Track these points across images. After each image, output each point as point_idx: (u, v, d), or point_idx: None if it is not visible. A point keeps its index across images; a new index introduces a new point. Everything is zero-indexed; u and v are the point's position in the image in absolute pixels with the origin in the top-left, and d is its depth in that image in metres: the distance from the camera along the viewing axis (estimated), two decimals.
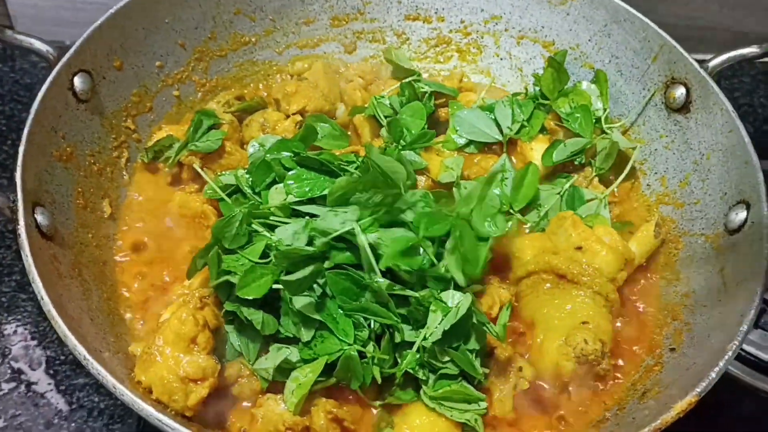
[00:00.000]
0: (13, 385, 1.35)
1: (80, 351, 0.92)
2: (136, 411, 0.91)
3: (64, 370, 1.33)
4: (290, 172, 1.21)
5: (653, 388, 1.08)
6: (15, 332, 1.41)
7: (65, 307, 1.01)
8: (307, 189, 1.19)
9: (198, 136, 1.32)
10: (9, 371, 1.37)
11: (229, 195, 1.26)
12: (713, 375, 0.96)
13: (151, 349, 1.02)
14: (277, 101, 1.46)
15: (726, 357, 0.97)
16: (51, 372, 1.33)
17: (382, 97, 1.42)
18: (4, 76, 1.72)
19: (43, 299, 0.97)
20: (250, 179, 1.25)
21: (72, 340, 0.93)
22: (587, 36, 1.47)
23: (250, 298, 1.04)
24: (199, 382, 1.01)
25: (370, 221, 1.11)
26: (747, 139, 1.21)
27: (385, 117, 1.39)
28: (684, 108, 1.33)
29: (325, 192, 1.16)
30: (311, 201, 1.18)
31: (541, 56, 1.54)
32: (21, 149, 1.10)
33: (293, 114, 1.41)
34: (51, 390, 1.35)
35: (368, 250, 1.07)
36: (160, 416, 0.89)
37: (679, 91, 1.33)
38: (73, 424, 1.31)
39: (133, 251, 1.26)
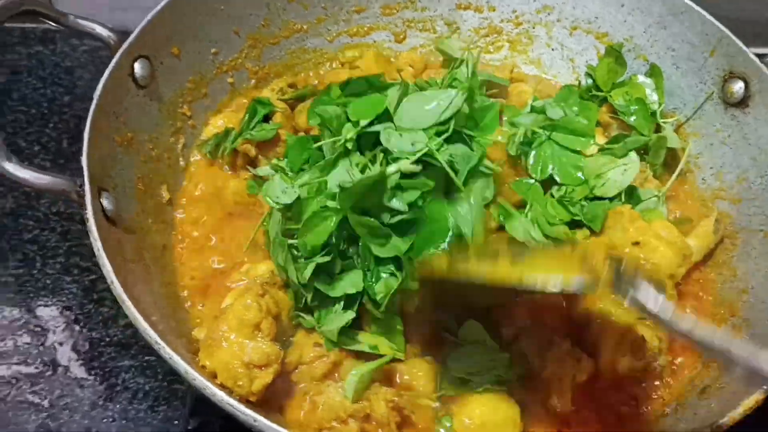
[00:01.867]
0: (58, 368, 1.37)
1: (151, 335, 0.93)
2: (207, 395, 0.92)
3: (108, 351, 1.33)
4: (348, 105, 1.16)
5: (713, 384, 1.08)
6: (60, 314, 1.42)
7: (132, 291, 1.01)
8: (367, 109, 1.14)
9: (253, 124, 1.33)
10: (54, 354, 1.39)
11: None
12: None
13: (215, 334, 1.03)
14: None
15: None
16: (95, 353, 1.33)
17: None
18: (45, 59, 1.73)
19: (113, 283, 0.97)
20: (287, 162, 1.25)
21: (143, 324, 0.94)
22: (642, 28, 1.46)
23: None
24: (263, 368, 1.01)
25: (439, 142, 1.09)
26: None
27: None
28: (742, 103, 1.31)
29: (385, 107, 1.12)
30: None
31: (593, 47, 1.53)
32: (86, 134, 1.10)
33: None
34: (96, 372, 1.37)
35: (448, 169, 1.07)
36: (231, 401, 0.90)
37: (738, 86, 1.32)
38: (117, 406, 1.31)
39: (190, 237, 1.27)
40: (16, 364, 1.34)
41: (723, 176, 1.34)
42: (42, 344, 1.37)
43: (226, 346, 1.01)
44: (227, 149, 1.33)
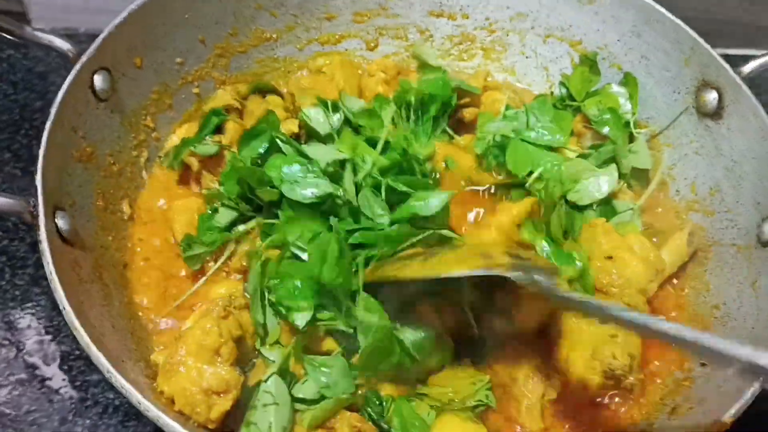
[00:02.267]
0: (27, 380, 1.35)
1: (103, 364, 0.91)
2: (160, 426, 0.90)
3: (78, 365, 1.31)
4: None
5: (683, 405, 1.07)
6: (29, 326, 1.39)
7: (87, 314, 0.99)
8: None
9: (203, 135, 1.31)
10: (23, 366, 1.36)
11: None
12: (748, 396, 0.94)
13: (173, 359, 1.01)
14: (291, 96, 1.43)
15: (756, 385, 0.95)
16: (65, 367, 1.31)
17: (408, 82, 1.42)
18: (17, 63, 1.70)
19: (65, 309, 0.95)
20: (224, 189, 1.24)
21: (94, 352, 0.92)
22: (616, 36, 1.44)
23: None
24: (222, 395, 1.00)
25: None
26: None
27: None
28: (716, 114, 1.30)
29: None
30: None
31: (567, 55, 1.51)
32: (41, 151, 1.07)
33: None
34: (65, 386, 1.34)
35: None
36: None
37: (711, 96, 1.30)
38: (87, 421, 1.30)
39: (152, 255, 1.24)
40: None
41: (697, 188, 1.33)
42: (11, 357, 1.35)
43: (184, 371, 1.00)
44: (172, 160, 1.31)
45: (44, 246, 1.00)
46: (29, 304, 1.39)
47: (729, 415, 0.93)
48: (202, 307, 1.10)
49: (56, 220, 1.06)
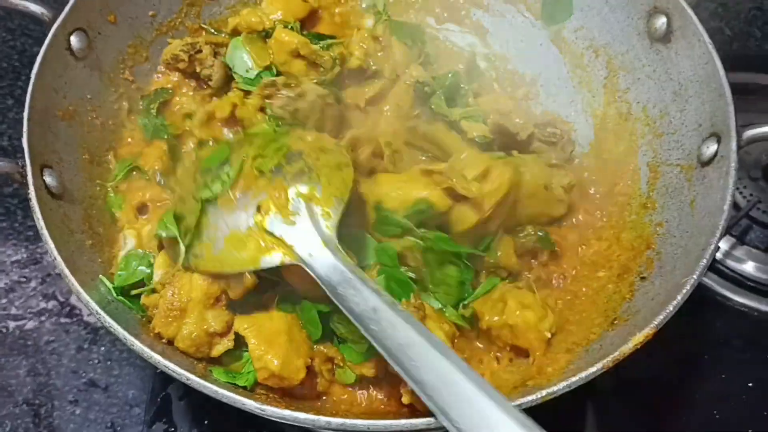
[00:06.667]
0: (45, 313, 1.47)
1: (93, 307, 1.01)
2: (159, 366, 0.98)
3: None
4: None
5: (622, 316, 1.16)
6: (44, 264, 1.52)
7: (77, 263, 1.09)
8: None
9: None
10: (41, 300, 1.48)
11: None
12: (670, 308, 1.02)
13: (172, 304, 1.09)
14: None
15: (684, 291, 1.03)
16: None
17: None
18: (12, 9, 1.75)
19: (55, 259, 1.04)
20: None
21: (84, 297, 1.02)
22: None
23: None
24: (224, 336, 1.10)
25: None
26: (722, 71, 1.22)
27: None
28: (665, 38, 1.34)
29: None
30: None
31: None
32: (25, 115, 1.15)
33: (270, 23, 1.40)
34: (80, 317, 1.46)
35: None
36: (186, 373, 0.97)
37: (660, 21, 1.34)
38: (102, 348, 1.43)
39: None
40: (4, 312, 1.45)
41: (648, 110, 1.39)
42: (30, 293, 1.47)
43: (190, 318, 1.08)
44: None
45: (34, 203, 1.08)
46: (41, 243, 1.50)
47: (652, 326, 1.01)
48: None
49: (44, 177, 1.14)
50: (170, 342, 1.10)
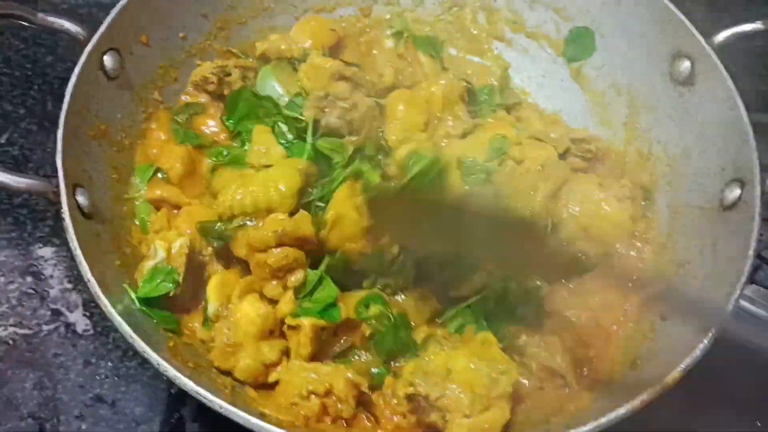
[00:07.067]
0: (52, 326, 1.45)
1: (126, 330, 1.02)
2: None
3: (99, 311, 1.36)
4: None
5: (645, 356, 1.17)
6: (52, 276, 1.49)
7: (108, 284, 1.08)
8: None
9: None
10: (49, 313, 1.47)
11: None
12: (698, 352, 1.04)
13: (228, 339, 1.14)
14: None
15: (710, 334, 1.05)
16: (87, 314, 1.41)
17: None
18: None
19: (89, 281, 1.04)
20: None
21: (117, 319, 1.02)
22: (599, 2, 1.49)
23: None
24: (278, 366, 1.16)
25: None
26: (746, 117, 1.25)
27: None
28: (688, 81, 1.37)
29: None
30: None
31: (552, 22, 1.57)
32: (59, 134, 1.15)
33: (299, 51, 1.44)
34: (88, 331, 1.45)
35: None
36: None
37: (684, 65, 1.37)
38: (110, 363, 1.41)
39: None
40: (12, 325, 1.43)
41: (668, 151, 1.41)
42: (37, 305, 1.45)
43: (247, 353, 1.14)
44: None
45: (68, 223, 1.08)
46: (51, 253, 1.48)
47: (679, 370, 1.02)
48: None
49: (77, 197, 1.14)
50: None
